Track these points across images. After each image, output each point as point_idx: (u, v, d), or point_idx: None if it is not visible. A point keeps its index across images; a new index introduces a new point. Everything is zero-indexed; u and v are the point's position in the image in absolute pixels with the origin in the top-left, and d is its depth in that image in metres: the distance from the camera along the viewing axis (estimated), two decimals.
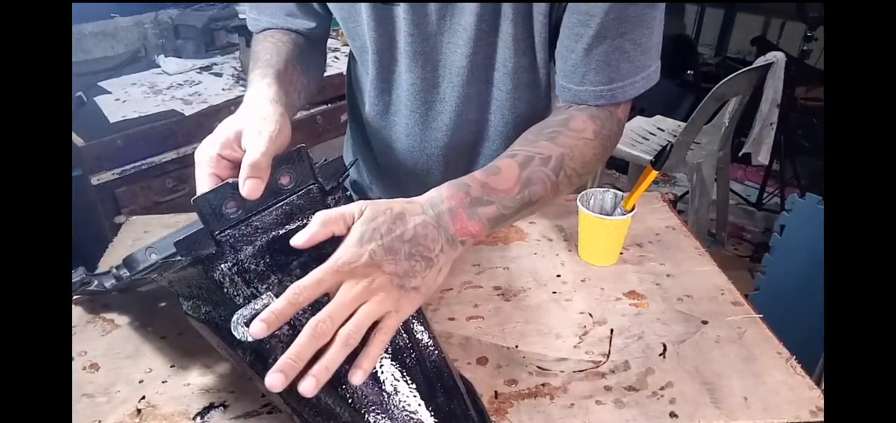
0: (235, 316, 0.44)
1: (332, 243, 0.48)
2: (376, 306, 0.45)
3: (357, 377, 0.43)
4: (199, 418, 0.51)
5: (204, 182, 0.51)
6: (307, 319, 0.44)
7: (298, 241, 0.47)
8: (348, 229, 0.48)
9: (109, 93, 1.62)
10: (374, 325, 0.46)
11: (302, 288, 0.44)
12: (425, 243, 0.49)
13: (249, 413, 0.51)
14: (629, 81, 0.62)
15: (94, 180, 1.37)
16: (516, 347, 0.58)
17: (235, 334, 0.43)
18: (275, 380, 0.41)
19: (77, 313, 0.64)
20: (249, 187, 0.48)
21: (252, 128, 0.52)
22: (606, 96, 0.62)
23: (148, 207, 1.46)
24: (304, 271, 0.48)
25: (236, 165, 0.51)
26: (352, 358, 0.44)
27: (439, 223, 0.51)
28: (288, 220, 0.51)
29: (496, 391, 0.53)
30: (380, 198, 0.91)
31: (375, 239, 0.47)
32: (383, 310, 0.46)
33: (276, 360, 0.43)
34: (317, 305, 0.45)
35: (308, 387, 0.41)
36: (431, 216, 0.51)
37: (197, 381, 0.54)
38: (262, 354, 0.44)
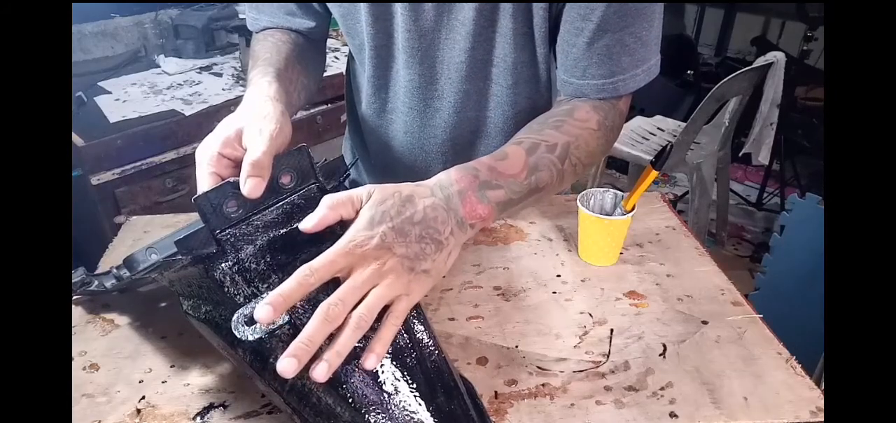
0: (236, 315, 0.44)
1: (335, 235, 0.48)
2: (387, 289, 0.45)
3: (370, 362, 0.43)
4: (199, 418, 0.51)
5: (205, 181, 0.51)
6: (307, 317, 0.44)
7: (307, 225, 0.47)
8: (357, 213, 0.48)
9: (109, 93, 1.62)
10: (385, 310, 0.46)
11: (313, 269, 0.44)
12: (435, 226, 0.49)
13: (249, 413, 0.51)
14: (631, 73, 0.62)
15: (94, 180, 1.37)
16: (516, 347, 0.58)
17: (236, 333, 0.43)
18: (288, 365, 0.40)
19: (77, 313, 0.64)
20: (250, 186, 0.48)
21: (253, 126, 0.52)
22: (608, 90, 0.63)
23: (148, 207, 1.47)
24: None
25: (237, 164, 0.51)
26: (355, 356, 0.44)
27: (449, 206, 0.51)
28: (289, 219, 0.51)
29: (496, 391, 0.53)
30: None
31: (386, 221, 0.47)
32: (394, 293, 0.46)
33: (276, 359, 0.43)
34: (316, 302, 0.45)
35: (321, 372, 0.41)
36: (441, 199, 0.51)
37: (197, 381, 0.54)
38: (263, 353, 0.44)
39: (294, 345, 0.41)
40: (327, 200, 0.48)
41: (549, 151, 0.58)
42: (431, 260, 0.48)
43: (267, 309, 0.41)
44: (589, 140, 0.62)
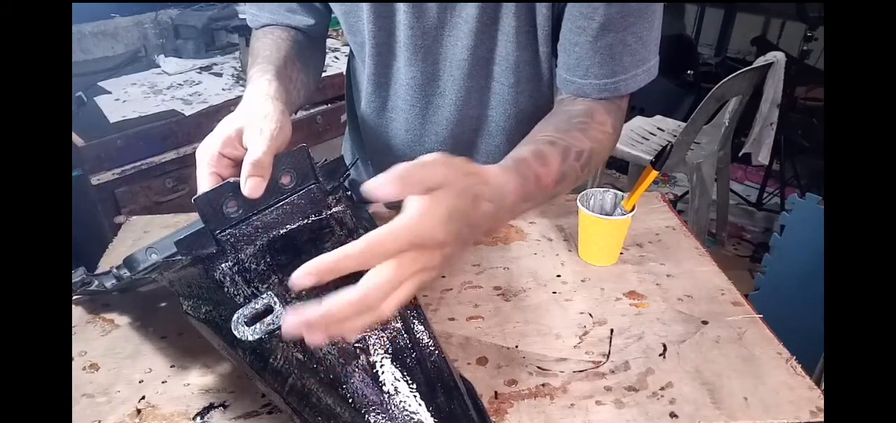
0: (236, 316, 0.44)
1: (334, 234, 0.47)
2: (418, 285, 0.41)
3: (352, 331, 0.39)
4: (199, 418, 0.51)
5: (205, 181, 0.50)
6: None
7: (374, 188, 0.40)
8: (426, 192, 0.41)
9: (109, 93, 1.62)
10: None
11: (377, 243, 0.38)
12: (477, 233, 0.46)
13: (249, 413, 0.51)
14: (632, 74, 0.62)
15: (94, 180, 1.37)
16: (516, 347, 0.58)
17: (236, 333, 0.43)
18: (292, 324, 0.37)
19: (77, 313, 0.64)
20: (251, 186, 0.48)
21: (253, 126, 0.52)
22: (610, 89, 0.63)
23: (148, 207, 1.47)
24: None
25: (238, 164, 0.51)
26: (354, 356, 0.44)
27: (495, 217, 0.47)
28: (289, 219, 0.51)
29: (496, 392, 0.53)
30: None
31: (458, 221, 0.42)
32: (416, 293, 0.42)
33: (276, 360, 0.43)
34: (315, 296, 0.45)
35: (317, 340, 0.38)
36: (495, 209, 0.47)
37: (197, 381, 0.54)
38: (263, 353, 0.44)
39: (312, 315, 0.37)
40: (398, 172, 0.40)
41: (577, 158, 0.57)
42: (453, 262, 0.45)
43: (307, 278, 0.38)
44: (606, 146, 0.62)
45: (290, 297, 0.46)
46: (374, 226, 0.53)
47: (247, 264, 0.48)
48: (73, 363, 0.57)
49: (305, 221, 0.51)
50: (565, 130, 0.59)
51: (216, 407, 0.52)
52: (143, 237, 0.79)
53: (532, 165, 0.53)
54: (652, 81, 0.65)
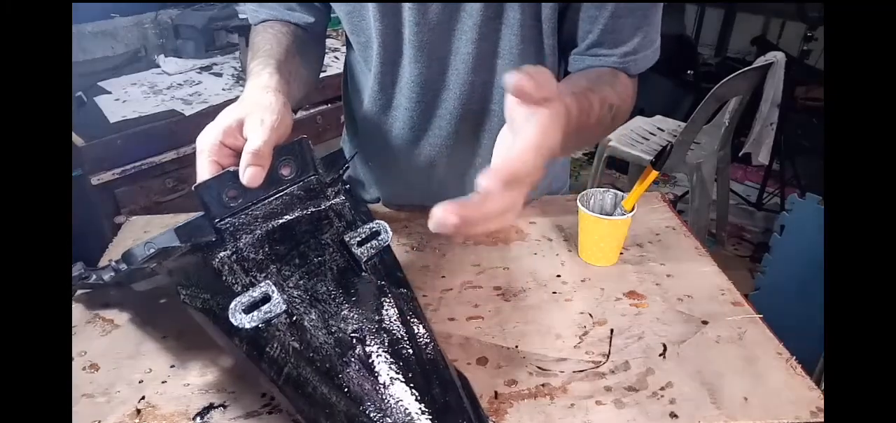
0: (234, 303, 0.44)
1: (332, 223, 0.47)
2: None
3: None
4: (199, 418, 0.51)
5: (205, 169, 0.50)
6: (305, 307, 0.44)
7: (514, 79, 0.39)
8: (544, 101, 0.41)
9: (109, 93, 1.62)
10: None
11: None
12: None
13: (249, 413, 0.51)
14: (642, 54, 0.67)
15: (94, 180, 1.37)
16: (516, 347, 0.58)
17: (233, 321, 0.43)
18: (445, 218, 0.37)
19: (77, 312, 0.64)
20: (250, 175, 0.48)
21: (254, 117, 0.52)
22: (622, 67, 0.67)
23: (148, 207, 1.47)
24: (303, 260, 0.48)
25: (238, 154, 0.51)
26: (351, 346, 0.44)
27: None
28: (287, 210, 0.51)
29: (496, 392, 0.53)
30: (378, 197, 0.92)
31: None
32: None
33: (272, 349, 0.44)
34: (314, 292, 0.45)
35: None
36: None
37: (197, 381, 0.54)
38: (259, 342, 0.44)
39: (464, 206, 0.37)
40: (541, 70, 0.40)
41: (609, 109, 0.61)
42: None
43: (449, 221, 0.37)
44: (628, 106, 0.66)
45: (288, 287, 0.46)
46: (371, 218, 0.53)
47: (245, 253, 0.48)
48: (73, 363, 0.57)
49: (304, 211, 0.51)
50: (596, 83, 0.62)
51: (216, 407, 0.52)
52: (143, 237, 0.79)
53: (588, 97, 0.56)
54: (652, 82, 0.66)
